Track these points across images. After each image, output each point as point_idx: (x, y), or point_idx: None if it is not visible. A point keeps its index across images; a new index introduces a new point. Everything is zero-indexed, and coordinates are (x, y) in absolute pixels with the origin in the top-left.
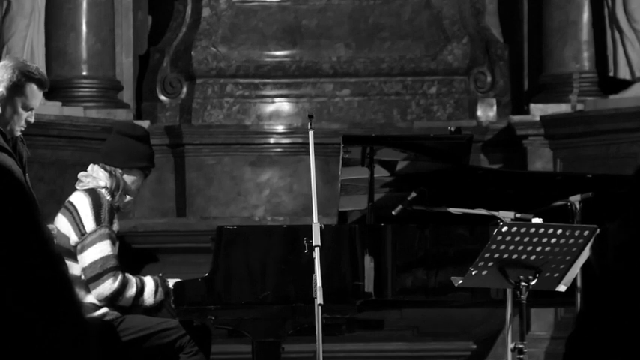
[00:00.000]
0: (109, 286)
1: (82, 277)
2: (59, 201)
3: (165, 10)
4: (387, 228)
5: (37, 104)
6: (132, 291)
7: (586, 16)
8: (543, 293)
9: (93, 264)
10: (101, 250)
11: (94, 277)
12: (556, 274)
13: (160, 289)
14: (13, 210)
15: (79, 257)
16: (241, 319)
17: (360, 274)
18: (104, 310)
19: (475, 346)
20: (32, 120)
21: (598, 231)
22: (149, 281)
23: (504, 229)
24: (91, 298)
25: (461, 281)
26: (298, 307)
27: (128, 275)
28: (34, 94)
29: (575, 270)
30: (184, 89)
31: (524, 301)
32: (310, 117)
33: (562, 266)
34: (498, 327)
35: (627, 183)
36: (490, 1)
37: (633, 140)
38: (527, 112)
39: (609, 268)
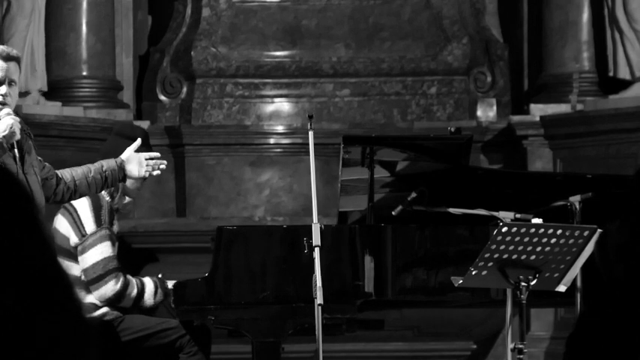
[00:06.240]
0: (111, 287)
1: (83, 278)
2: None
3: (166, 10)
4: (387, 228)
5: (2, 75)
6: (133, 292)
7: (586, 16)
8: (543, 293)
9: (95, 265)
10: (102, 251)
11: (96, 278)
12: (556, 275)
13: (159, 290)
14: (13, 210)
15: (79, 258)
16: (241, 319)
17: (360, 274)
18: (104, 310)
19: (475, 346)
20: (3, 92)
21: (600, 232)
22: (148, 283)
23: (504, 229)
24: (90, 299)
25: (461, 281)
26: (298, 307)
27: (129, 277)
28: None
29: (575, 270)
30: (184, 89)
31: (524, 301)
32: (310, 117)
33: (562, 266)
34: (498, 327)
35: (627, 183)
36: (490, 1)
37: (633, 140)
38: (527, 112)
39: (611, 269)
